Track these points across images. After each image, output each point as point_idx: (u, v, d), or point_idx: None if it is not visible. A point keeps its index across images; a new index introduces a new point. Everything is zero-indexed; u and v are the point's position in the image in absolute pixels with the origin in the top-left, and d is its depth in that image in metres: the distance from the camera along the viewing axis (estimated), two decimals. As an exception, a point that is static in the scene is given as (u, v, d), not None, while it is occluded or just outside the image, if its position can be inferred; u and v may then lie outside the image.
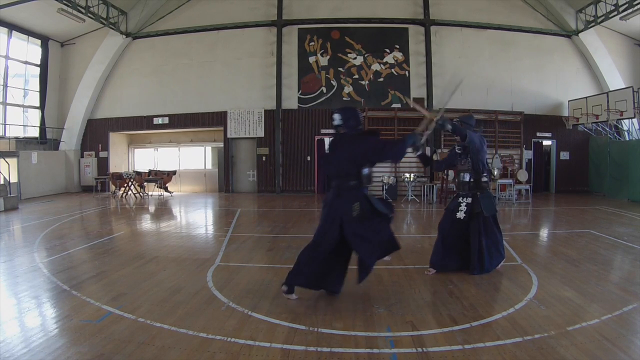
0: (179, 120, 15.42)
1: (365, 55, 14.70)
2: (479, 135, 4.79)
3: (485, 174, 4.76)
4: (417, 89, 14.53)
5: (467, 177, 4.77)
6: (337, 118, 3.86)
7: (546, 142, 15.08)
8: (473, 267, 4.60)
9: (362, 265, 3.76)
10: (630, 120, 12.73)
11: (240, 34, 15.04)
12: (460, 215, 4.68)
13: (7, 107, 14.21)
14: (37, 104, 15.29)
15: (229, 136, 15.09)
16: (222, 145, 15.43)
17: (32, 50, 14.99)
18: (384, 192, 12.30)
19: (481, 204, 4.64)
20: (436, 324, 3.31)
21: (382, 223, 3.81)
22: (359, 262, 3.77)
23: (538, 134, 14.66)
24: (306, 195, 14.32)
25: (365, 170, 3.78)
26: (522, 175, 12.41)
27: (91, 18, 13.53)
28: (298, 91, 14.81)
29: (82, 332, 3.19)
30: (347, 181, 3.73)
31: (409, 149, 3.93)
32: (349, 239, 3.67)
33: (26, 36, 14.56)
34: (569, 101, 14.46)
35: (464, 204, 4.70)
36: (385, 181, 12.36)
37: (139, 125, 15.81)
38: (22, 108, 15.02)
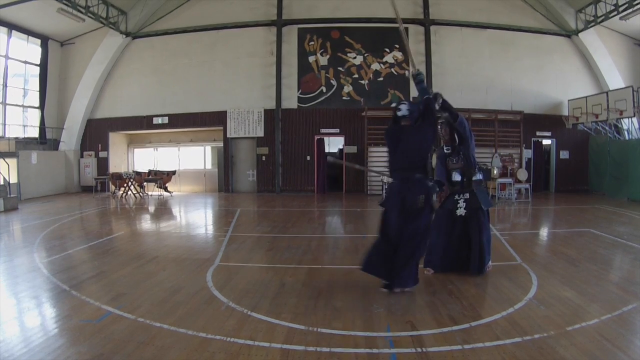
0: (178, 120, 15.41)
1: (365, 55, 14.70)
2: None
3: (478, 170, 4.71)
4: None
5: (458, 177, 4.67)
6: (404, 109, 3.98)
7: (546, 142, 15.08)
8: (474, 266, 4.58)
9: (402, 267, 3.96)
10: (630, 119, 12.72)
11: (240, 33, 15.03)
12: (461, 212, 4.62)
13: (7, 107, 14.20)
14: (37, 103, 15.28)
15: (228, 136, 15.08)
16: (222, 145, 15.43)
17: (32, 50, 14.98)
18: (384, 191, 12.27)
19: (479, 198, 4.63)
20: (436, 324, 3.31)
21: (429, 226, 4.04)
22: (399, 263, 3.96)
23: (538, 133, 14.67)
24: (306, 195, 14.33)
25: (429, 161, 4.00)
26: (522, 175, 12.42)
27: (91, 18, 13.52)
28: (298, 91, 14.81)
29: (81, 332, 3.20)
30: (413, 173, 3.91)
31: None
32: (408, 228, 3.91)
33: (26, 36, 14.55)
34: (568, 100, 14.45)
35: (462, 200, 4.64)
36: (385, 181, 12.34)
37: (138, 125, 15.80)
38: (21, 108, 15.01)
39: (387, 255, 3.99)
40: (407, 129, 3.99)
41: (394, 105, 4.11)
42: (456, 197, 4.67)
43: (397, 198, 3.96)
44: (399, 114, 4.01)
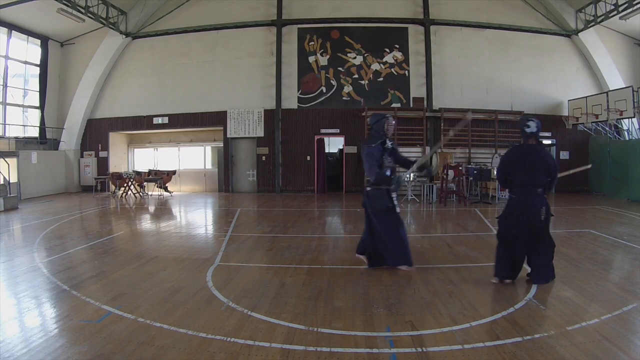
0: (178, 120, 15.42)
1: (365, 55, 14.70)
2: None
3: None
4: (416, 89, 14.54)
5: (389, 173, 4.82)
6: (532, 126, 4.07)
7: (546, 142, 15.06)
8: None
9: (542, 267, 4.20)
10: (630, 119, 12.73)
11: (239, 33, 15.04)
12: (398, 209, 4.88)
13: (7, 107, 14.20)
14: (37, 103, 15.28)
15: (228, 136, 15.09)
16: (222, 145, 15.43)
17: (32, 50, 14.98)
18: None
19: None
20: (436, 324, 3.31)
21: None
22: (539, 265, 4.20)
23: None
24: (306, 195, 14.33)
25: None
26: (522, 175, 12.40)
27: (91, 18, 13.53)
28: (298, 91, 14.81)
29: (82, 332, 3.20)
30: (535, 189, 4.10)
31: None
32: (537, 238, 4.14)
33: (26, 36, 14.55)
34: (568, 101, 14.46)
35: (395, 198, 4.86)
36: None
37: (138, 125, 15.81)
38: (21, 108, 15.01)
39: (517, 262, 4.25)
40: (535, 149, 4.10)
41: (528, 123, 4.14)
42: (393, 195, 4.85)
43: (522, 212, 4.11)
44: (528, 130, 4.06)
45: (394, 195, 4.82)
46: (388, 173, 4.77)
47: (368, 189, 4.86)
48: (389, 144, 4.81)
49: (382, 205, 4.72)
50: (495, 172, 11.84)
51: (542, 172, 4.10)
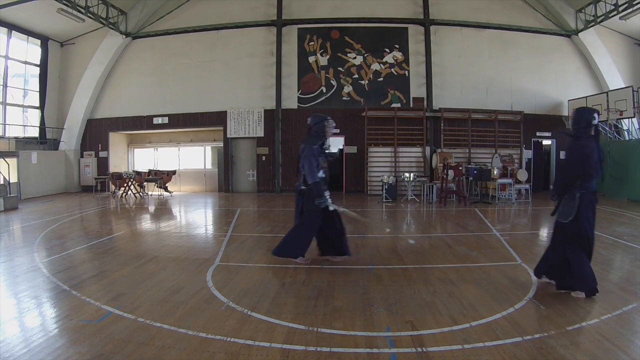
0: (178, 120, 15.42)
1: (365, 55, 14.70)
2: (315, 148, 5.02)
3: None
4: (416, 89, 14.54)
5: (323, 174, 4.99)
6: (597, 117, 4.04)
7: (546, 142, 15.08)
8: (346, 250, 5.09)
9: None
10: (630, 119, 12.73)
11: (239, 33, 15.05)
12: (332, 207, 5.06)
13: (7, 107, 14.20)
14: (37, 104, 15.28)
15: (228, 136, 15.09)
16: (222, 145, 15.44)
17: (32, 50, 14.99)
18: (384, 191, 12.29)
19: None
20: (436, 324, 3.31)
21: None
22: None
23: (538, 134, 14.67)
24: (306, 195, 14.30)
25: None
26: (522, 175, 12.41)
27: (91, 18, 13.53)
28: (298, 91, 14.81)
29: (81, 332, 3.20)
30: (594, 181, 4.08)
31: None
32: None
33: (26, 36, 14.56)
34: (568, 101, 14.46)
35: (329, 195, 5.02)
36: (385, 181, 12.35)
37: (138, 125, 15.81)
38: (21, 108, 15.01)
39: (584, 257, 4.02)
40: (597, 141, 4.05)
41: (594, 115, 4.05)
42: (327, 193, 4.98)
43: (593, 206, 4.01)
44: (594, 122, 3.99)
45: (327, 193, 4.96)
46: (321, 173, 4.95)
47: (303, 187, 5.01)
48: (327, 145, 5.07)
49: (315, 207, 4.90)
50: (494, 172, 11.81)
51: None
